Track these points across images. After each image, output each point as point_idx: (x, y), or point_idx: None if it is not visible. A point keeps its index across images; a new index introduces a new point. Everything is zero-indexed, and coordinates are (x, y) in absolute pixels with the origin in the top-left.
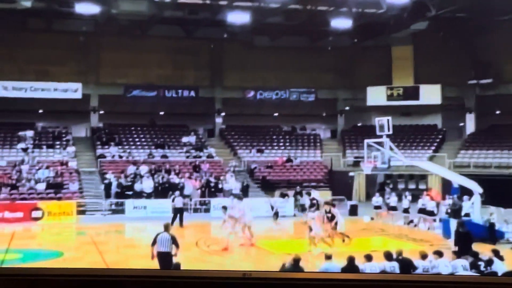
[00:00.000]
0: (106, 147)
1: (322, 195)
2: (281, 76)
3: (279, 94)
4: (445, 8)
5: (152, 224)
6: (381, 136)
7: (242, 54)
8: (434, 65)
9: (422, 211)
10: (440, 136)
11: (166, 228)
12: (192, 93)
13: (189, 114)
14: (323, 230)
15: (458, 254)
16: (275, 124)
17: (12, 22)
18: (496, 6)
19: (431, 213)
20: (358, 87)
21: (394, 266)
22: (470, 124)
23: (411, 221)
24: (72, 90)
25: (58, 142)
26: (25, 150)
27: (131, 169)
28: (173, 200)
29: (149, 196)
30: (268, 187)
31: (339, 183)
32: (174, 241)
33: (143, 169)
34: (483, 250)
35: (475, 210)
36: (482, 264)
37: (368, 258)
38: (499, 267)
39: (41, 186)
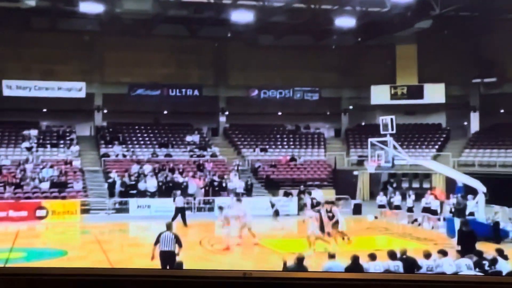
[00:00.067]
0: (110, 146)
1: (326, 194)
2: (285, 75)
3: (283, 93)
4: (449, 6)
5: (156, 223)
6: (385, 135)
7: (246, 53)
8: (438, 64)
9: (426, 210)
10: (444, 135)
11: (169, 227)
12: (196, 92)
13: (193, 113)
14: (320, 230)
15: (462, 253)
16: (279, 123)
17: (16, 21)
18: (500, 4)
19: (435, 212)
20: (362, 86)
21: (398, 265)
22: (474, 122)
23: (415, 220)
24: (76, 89)
25: (62, 141)
26: (29, 149)
27: (135, 168)
28: (174, 200)
29: (153, 195)
30: (272, 186)
31: (343, 182)
32: (177, 240)
33: (147, 168)
34: (488, 249)
35: (480, 209)
36: (486, 263)
37: (372, 257)
38: (504, 266)
39: (45, 185)
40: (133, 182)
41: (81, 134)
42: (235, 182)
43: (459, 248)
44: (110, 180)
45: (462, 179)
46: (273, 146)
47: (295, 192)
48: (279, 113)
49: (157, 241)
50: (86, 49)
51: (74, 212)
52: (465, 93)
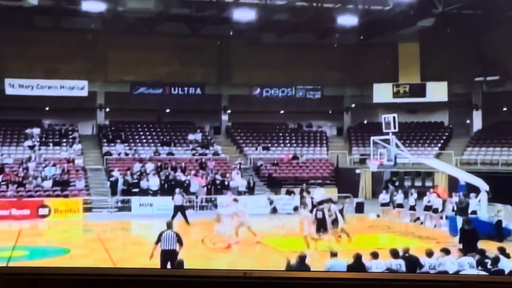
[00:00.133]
0: (112, 144)
1: (328, 193)
2: (288, 73)
3: (285, 91)
4: (451, 4)
5: (158, 221)
6: (387, 133)
7: (248, 51)
8: (441, 62)
9: (428, 208)
10: (446, 133)
11: (169, 226)
12: (198, 91)
13: (195, 111)
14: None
15: (464, 252)
16: (281, 122)
17: (19, 19)
18: (503, 2)
19: (437, 210)
20: (364, 84)
21: (400, 264)
22: (477, 121)
23: (418, 219)
24: (78, 87)
25: (64, 140)
26: (31, 147)
27: (137, 167)
28: (172, 198)
29: (155, 193)
30: (274, 184)
31: (345, 181)
32: (178, 239)
33: (149, 166)
34: (490, 247)
35: (482, 207)
36: (488, 261)
37: (374, 255)
38: (506, 265)
39: (48, 184)
40: (136, 181)
41: (83, 132)
42: (237, 181)
43: (461, 246)
44: (112, 179)
45: (464, 177)
46: (275, 145)
47: (297, 190)
48: (281, 112)
49: (158, 240)
50: (89, 48)
51: (77, 210)
52: (468, 91)
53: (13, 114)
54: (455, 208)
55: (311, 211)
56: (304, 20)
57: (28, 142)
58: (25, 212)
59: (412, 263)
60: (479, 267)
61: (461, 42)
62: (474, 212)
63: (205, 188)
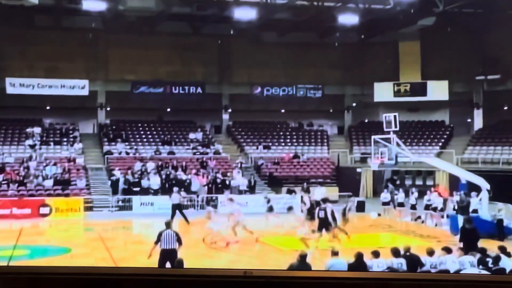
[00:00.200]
0: (113, 143)
1: (329, 192)
2: (289, 72)
3: (286, 90)
4: (452, 3)
5: (159, 220)
6: (388, 132)
7: (249, 50)
8: (442, 61)
9: (429, 207)
10: (447, 132)
11: (168, 225)
12: (199, 90)
13: (196, 110)
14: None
15: (464, 251)
16: (282, 120)
17: (19, 19)
18: (503, 1)
19: (437, 209)
20: (365, 83)
21: (401, 263)
22: (478, 120)
23: (419, 217)
24: (79, 86)
25: (65, 139)
26: (32, 146)
27: (138, 166)
28: (170, 196)
29: (156, 192)
30: (275, 183)
31: (346, 180)
32: (178, 238)
33: (150, 165)
34: (491, 246)
35: (483, 206)
36: (490, 260)
37: (376, 254)
38: (507, 264)
39: (49, 183)
40: (136, 180)
41: (84, 131)
42: (238, 180)
43: (462, 245)
44: (113, 178)
45: (465, 176)
46: (276, 144)
47: (298, 189)
48: (282, 111)
49: (158, 240)
50: (90, 47)
51: (78, 209)
52: (469, 90)
53: (14, 113)
54: (456, 207)
55: (309, 210)
56: (305, 19)
57: (29, 141)
58: (26, 211)
59: (413, 262)
60: (480, 266)
61: (462, 41)
62: (475, 211)
63: (206, 187)
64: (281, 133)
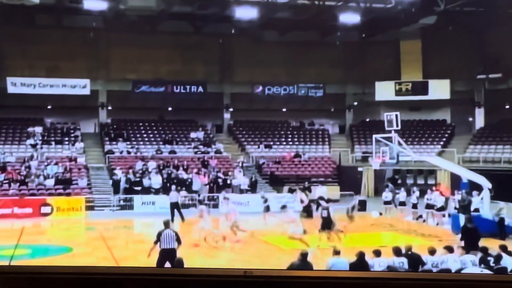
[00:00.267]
0: (115, 143)
1: (330, 191)
2: (290, 71)
3: (287, 89)
4: (453, 2)
5: (160, 219)
6: (389, 131)
7: (250, 49)
8: (443, 60)
9: (429, 206)
10: (449, 131)
11: (167, 225)
12: (200, 89)
13: (198, 109)
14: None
15: (466, 250)
16: (283, 120)
17: (21, 18)
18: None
19: (439, 208)
20: (366, 82)
21: (402, 262)
22: (479, 118)
23: (420, 216)
24: (80, 86)
25: (66, 138)
26: (34, 146)
27: (139, 165)
28: (168, 194)
29: (157, 191)
30: (277, 182)
31: (347, 179)
32: (177, 237)
33: (151, 164)
34: (492, 245)
35: (485, 205)
36: (491, 259)
37: (377, 253)
38: (508, 263)
39: (50, 182)
40: (138, 179)
41: (85, 131)
42: (240, 179)
43: (463, 244)
44: (114, 177)
45: (467, 175)
46: (278, 143)
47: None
48: (284, 110)
49: (158, 240)
50: (91, 46)
51: (79, 208)
52: (470, 89)
53: (15, 113)
54: (458, 206)
55: (306, 207)
56: (306, 18)
57: (30, 141)
58: (28, 210)
59: (415, 261)
60: (482, 265)
61: (463, 39)
62: (476, 210)
63: (207, 186)
64: (282, 132)
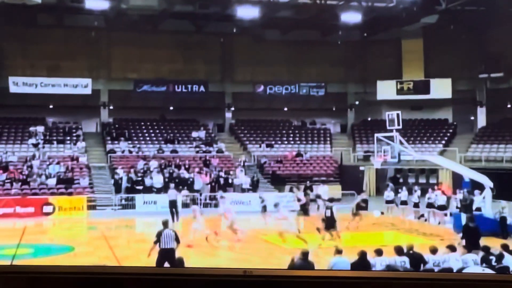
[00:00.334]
0: (116, 142)
1: (332, 190)
2: (291, 70)
3: (289, 88)
4: (455, 1)
5: (162, 218)
6: (391, 130)
7: (252, 48)
8: (445, 59)
9: (430, 205)
10: (451, 130)
11: (166, 224)
12: (202, 88)
13: (199, 109)
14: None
15: (467, 249)
16: (285, 119)
17: (22, 18)
18: None
19: (441, 207)
20: (368, 81)
21: (404, 261)
22: (481, 117)
23: (422, 216)
24: (82, 85)
25: (68, 138)
26: (35, 145)
27: (141, 164)
28: (166, 192)
29: (159, 191)
30: (278, 181)
31: (349, 178)
32: (176, 237)
33: (153, 164)
34: (494, 244)
35: (486, 204)
36: (493, 258)
37: (378, 252)
38: (510, 262)
39: (52, 181)
40: (139, 178)
41: (87, 130)
42: (241, 178)
43: (464, 243)
44: (116, 176)
45: (468, 174)
46: (279, 142)
47: (301, 187)
48: (285, 109)
49: (158, 240)
50: (92, 46)
51: (81, 208)
52: (472, 88)
53: (17, 112)
54: (459, 205)
55: (303, 206)
56: (307, 17)
57: (32, 140)
58: (30, 210)
59: (416, 260)
60: (483, 264)
61: (465, 38)
62: (478, 209)
63: (209, 185)
64: (284, 131)
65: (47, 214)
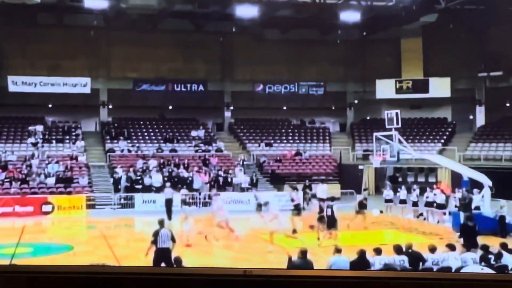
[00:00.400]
0: (115, 141)
1: (331, 189)
2: (291, 69)
3: (288, 87)
4: (454, 0)
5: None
6: (390, 129)
7: (251, 47)
8: (444, 58)
9: (429, 204)
10: (450, 129)
11: (162, 223)
12: (201, 87)
13: (198, 108)
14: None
15: (466, 247)
16: (284, 118)
17: (22, 17)
18: None
19: (440, 206)
20: (367, 80)
21: (403, 260)
22: (480, 116)
23: (421, 214)
24: (81, 84)
25: (67, 137)
26: (35, 144)
27: (140, 163)
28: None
29: (158, 190)
30: (277, 180)
31: (348, 177)
32: (172, 236)
33: (152, 163)
34: (493, 243)
35: (485, 203)
36: (492, 257)
37: (377, 251)
38: (509, 260)
39: (51, 181)
40: (139, 177)
41: (86, 129)
42: (240, 177)
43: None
44: (115, 175)
45: (467, 173)
46: (278, 141)
47: (300, 186)
48: (284, 108)
49: (155, 239)
50: (92, 45)
51: (80, 207)
52: (471, 87)
53: (16, 111)
54: (458, 204)
55: (296, 206)
56: (307, 16)
57: (31, 139)
58: (29, 209)
59: (415, 259)
60: (482, 263)
61: (464, 37)
62: (477, 208)
63: (208, 184)
64: (283, 130)
65: (46, 213)
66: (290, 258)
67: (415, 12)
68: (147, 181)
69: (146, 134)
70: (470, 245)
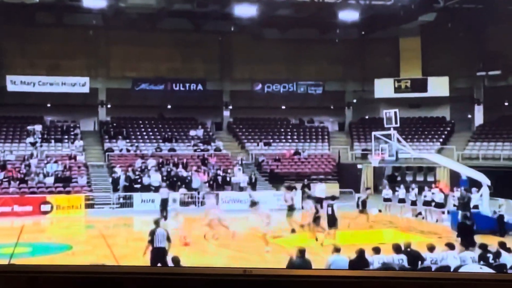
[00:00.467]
0: (114, 141)
1: (329, 188)
2: (289, 69)
3: (287, 86)
4: None
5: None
6: (389, 129)
7: (250, 46)
8: (443, 57)
9: (427, 203)
10: (448, 128)
11: (158, 223)
12: (200, 86)
13: (197, 107)
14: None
15: (464, 246)
16: (283, 117)
17: (21, 16)
18: None
19: (439, 205)
20: (366, 79)
21: (402, 259)
22: (478, 116)
23: (419, 213)
24: (80, 84)
25: (66, 136)
26: (33, 144)
27: (139, 163)
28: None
29: (157, 189)
30: (276, 180)
31: (347, 176)
32: (167, 236)
33: (151, 162)
34: (491, 242)
35: (484, 202)
36: (490, 256)
37: (376, 250)
38: (507, 259)
39: (50, 180)
40: (137, 177)
41: (85, 129)
42: (239, 176)
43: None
44: (114, 175)
45: (466, 172)
46: (277, 140)
47: (298, 186)
48: (283, 107)
49: (152, 239)
50: (91, 44)
51: (79, 206)
52: (470, 86)
53: (15, 111)
54: (457, 203)
55: (290, 207)
56: (306, 16)
57: (30, 139)
58: (27, 208)
59: (414, 258)
60: (481, 262)
61: (463, 36)
62: (476, 207)
63: (207, 184)
64: (282, 129)
65: (45, 212)
66: (291, 258)
67: (413, 11)
68: (146, 180)
69: (145, 133)
70: (467, 243)
